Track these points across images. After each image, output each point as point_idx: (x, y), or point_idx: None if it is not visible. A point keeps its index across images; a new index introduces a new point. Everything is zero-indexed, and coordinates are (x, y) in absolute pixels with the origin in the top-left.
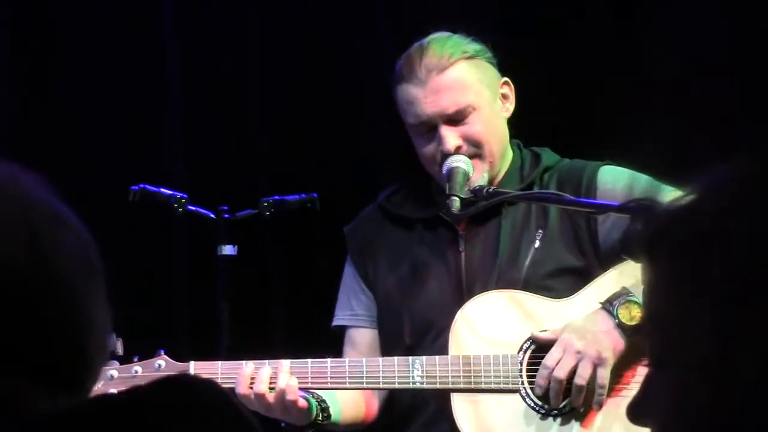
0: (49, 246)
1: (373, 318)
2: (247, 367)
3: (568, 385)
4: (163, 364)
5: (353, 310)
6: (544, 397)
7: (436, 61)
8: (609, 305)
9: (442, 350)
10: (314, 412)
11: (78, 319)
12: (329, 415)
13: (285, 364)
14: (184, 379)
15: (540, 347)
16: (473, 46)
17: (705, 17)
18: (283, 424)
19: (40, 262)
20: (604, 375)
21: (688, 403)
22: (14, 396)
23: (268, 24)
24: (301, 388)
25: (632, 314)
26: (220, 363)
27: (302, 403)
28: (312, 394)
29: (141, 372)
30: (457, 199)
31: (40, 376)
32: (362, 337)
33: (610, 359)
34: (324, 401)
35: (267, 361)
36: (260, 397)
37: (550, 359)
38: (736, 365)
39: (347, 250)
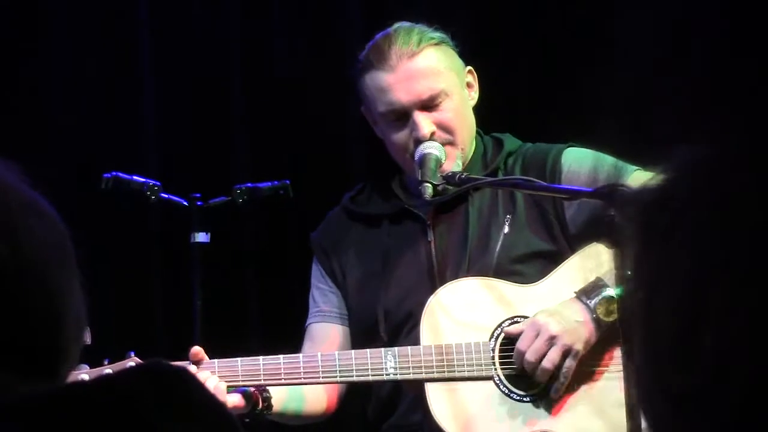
0: (22, 233)
1: (342, 314)
2: None
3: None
4: (133, 366)
5: (318, 307)
6: (517, 380)
7: (405, 48)
8: (586, 298)
9: (417, 341)
10: (250, 404)
11: (52, 307)
12: (270, 406)
13: (207, 370)
14: (156, 365)
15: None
16: (438, 34)
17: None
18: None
19: (14, 250)
20: (570, 365)
21: (655, 382)
22: None
23: (245, 9)
24: (273, 385)
25: (609, 309)
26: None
27: (234, 401)
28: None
29: None
30: (430, 185)
31: (14, 363)
32: (324, 331)
33: (581, 351)
34: (266, 391)
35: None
36: None
37: (523, 342)
38: (699, 348)
39: (315, 256)
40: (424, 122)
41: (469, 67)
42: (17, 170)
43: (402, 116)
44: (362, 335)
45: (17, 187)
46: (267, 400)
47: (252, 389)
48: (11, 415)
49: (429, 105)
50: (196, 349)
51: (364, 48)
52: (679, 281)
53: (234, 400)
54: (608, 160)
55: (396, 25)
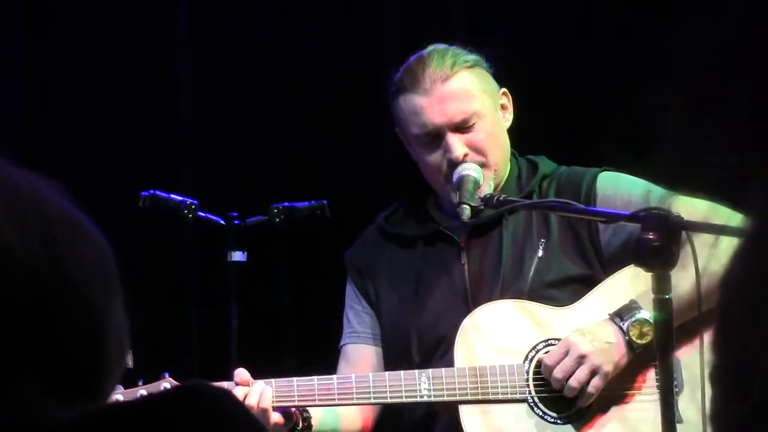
0: (65, 252)
1: (375, 335)
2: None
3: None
4: (168, 387)
5: (353, 328)
6: (551, 403)
7: (439, 71)
8: (619, 319)
9: (450, 364)
10: (291, 424)
11: (94, 326)
12: (309, 426)
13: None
14: (197, 386)
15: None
16: (472, 57)
17: (724, 17)
18: None
19: (56, 268)
20: (597, 385)
21: (715, 392)
22: (29, 403)
23: (283, 29)
24: (308, 406)
25: (643, 331)
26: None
27: (276, 419)
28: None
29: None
30: (468, 207)
31: (56, 383)
32: (359, 353)
33: (610, 372)
34: (306, 411)
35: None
36: None
37: (551, 358)
38: (756, 371)
39: (349, 275)
40: (457, 144)
41: (504, 89)
42: (62, 190)
43: (435, 138)
44: (395, 357)
45: (61, 206)
46: (307, 420)
47: (292, 408)
48: None
49: (462, 127)
50: (242, 371)
51: (399, 68)
52: (739, 314)
53: (275, 419)
54: (644, 185)
55: (430, 48)
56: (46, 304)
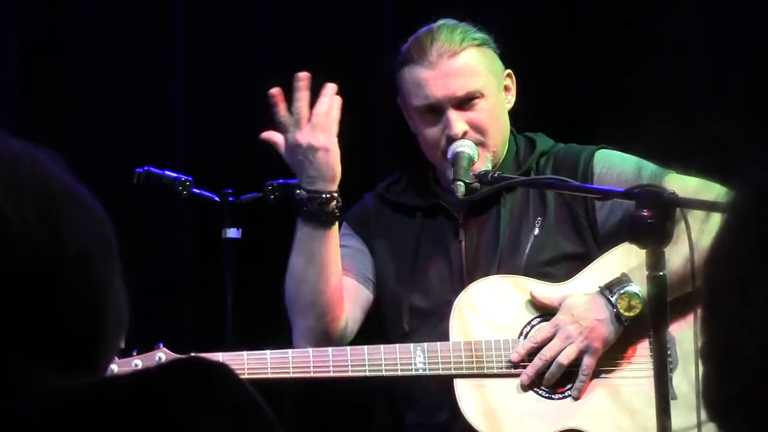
0: (65, 223)
1: (368, 279)
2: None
3: (571, 368)
4: (162, 357)
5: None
6: (544, 377)
7: (447, 46)
8: (609, 292)
9: (442, 337)
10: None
11: (93, 296)
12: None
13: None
14: (195, 360)
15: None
16: (481, 35)
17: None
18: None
19: (55, 238)
20: (589, 364)
21: (707, 371)
22: (29, 373)
23: (277, 8)
24: (303, 379)
25: (631, 304)
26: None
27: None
28: None
29: (141, 366)
30: (462, 183)
31: (55, 353)
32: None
33: (599, 349)
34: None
35: None
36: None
37: (539, 335)
38: (746, 349)
39: (347, 223)
40: (458, 121)
41: (509, 71)
42: (62, 162)
43: (436, 112)
44: (386, 323)
45: (61, 177)
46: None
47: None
48: (49, 410)
49: (464, 104)
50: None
51: (396, 46)
52: (732, 287)
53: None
54: (640, 163)
55: (440, 22)
56: (44, 274)
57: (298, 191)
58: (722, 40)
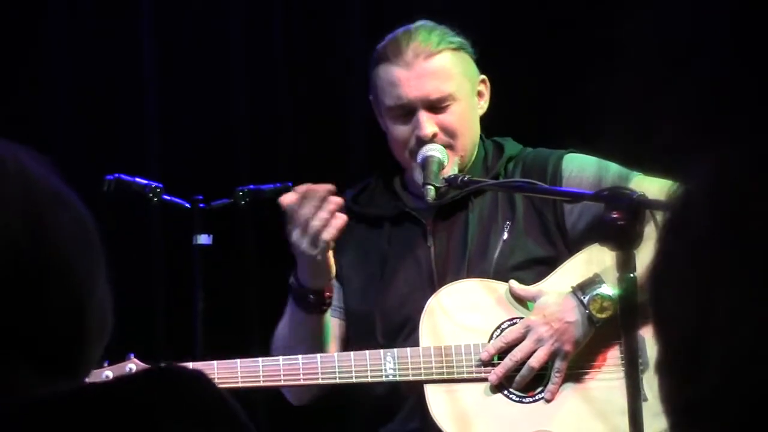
0: (49, 225)
1: (338, 307)
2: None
3: (542, 371)
4: (133, 368)
5: None
6: (514, 380)
7: (424, 47)
8: (581, 293)
9: (415, 345)
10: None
11: (76, 297)
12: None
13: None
14: (170, 368)
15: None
16: (459, 39)
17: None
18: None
19: (39, 241)
20: (560, 366)
21: (665, 392)
22: (10, 378)
23: (247, 12)
24: (273, 387)
25: (603, 306)
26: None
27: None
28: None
29: (112, 377)
30: (432, 187)
31: (37, 358)
32: None
33: (570, 352)
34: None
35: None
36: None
37: (510, 335)
38: (706, 359)
39: None
40: (428, 122)
41: (483, 77)
42: (48, 163)
43: (408, 113)
44: (359, 339)
45: (45, 178)
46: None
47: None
48: (26, 416)
49: (436, 106)
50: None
51: (364, 51)
52: (686, 291)
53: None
54: (609, 166)
55: (419, 23)
56: (26, 275)
57: (291, 279)
58: (677, 44)
